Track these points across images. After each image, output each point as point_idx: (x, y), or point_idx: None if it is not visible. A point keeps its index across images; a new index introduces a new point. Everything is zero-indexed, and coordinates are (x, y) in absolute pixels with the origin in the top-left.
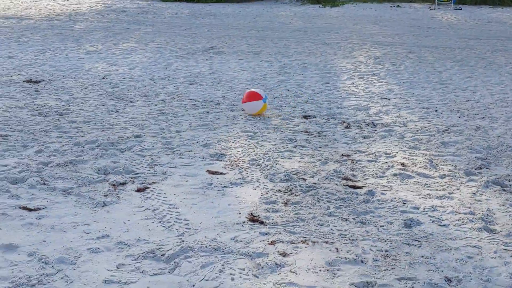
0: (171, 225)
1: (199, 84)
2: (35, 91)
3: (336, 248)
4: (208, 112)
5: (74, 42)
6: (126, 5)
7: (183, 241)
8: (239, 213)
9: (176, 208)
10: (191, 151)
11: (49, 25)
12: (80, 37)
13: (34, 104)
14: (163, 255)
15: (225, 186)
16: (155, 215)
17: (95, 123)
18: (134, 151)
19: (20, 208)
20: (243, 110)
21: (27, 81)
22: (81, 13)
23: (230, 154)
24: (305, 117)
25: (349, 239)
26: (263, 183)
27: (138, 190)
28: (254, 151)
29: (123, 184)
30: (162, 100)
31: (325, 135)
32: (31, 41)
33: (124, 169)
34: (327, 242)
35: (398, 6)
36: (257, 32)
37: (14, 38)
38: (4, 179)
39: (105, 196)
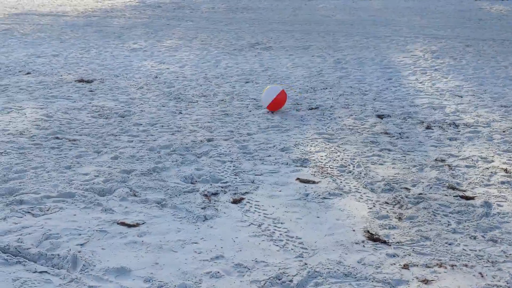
0: (284, 244)
1: (255, 83)
2: (90, 91)
3: (480, 273)
4: (272, 112)
5: (116, 39)
6: (160, 0)
7: (305, 264)
8: (353, 230)
9: (282, 223)
10: (270, 156)
11: (88, 22)
12: (121, 34)
13: (93, 105)
14: (290, 281)
15: (324, 198)
16: (263, 231)
17: (162, 126)
18: (212, 156)
19: (118, 224)
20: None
21: (79, 81)
22: (117, 9)
23: (314, 160)
24: (379, 116)
25: (489, 262)
26: (364, 193)
27: (234, 202)
28: (338, 155)
29: (215, 194)
30: (222, 100)
31: (407, 137)
32: (72, 39)
33: (210, 178)
34: (466, 265)
35: None
36: (301, 26)
37: (55, 36)
38: (90, 191)
39: (202, 209)
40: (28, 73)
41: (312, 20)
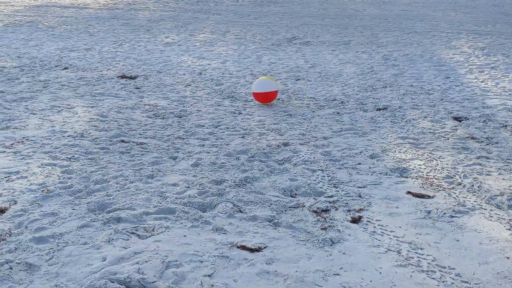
0: (440, 277)
1: (307, 80)
2: (136, 88)
3: None
4: (338, 113)
5: (146, 32)
6: None
7: None
8: (507, 258)
9: (421, 248)
10: (360, 164)
11: (112, 14)
12: (149, 27)
13: (144, 104)
14: None
15: (451, 216)
16: (406, 259)
17: (227, 128)
18: (297, 164)
19: (237, 247)
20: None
21: (122, 77)
22: (140, 2)
23: (413, 169)
24: (456, 119)
25: None
26: (491, 210)
27: (354, 221)
28: (437, 164)
29: (326, 211)
30: (278, 99)
31: (497, 142)
32: (101, 32)
33: (311, 190)
34: None
35: None
36: (333, 20)
37: (82, 29)
38: (190, 205)
39: (322, 229)
40: (66, 68)
41: (343, 14)
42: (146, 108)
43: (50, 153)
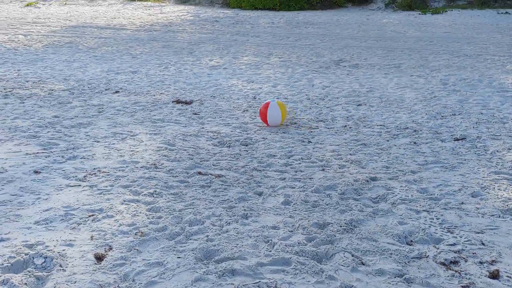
0: None
1: (369, 106)
2: (195, 114)
3: None
4: (414, 142)
5: (189, 55)
6: (212, 15)
7: None
8: None
9: None
10: (463, 203)
11: (151, 36)
12: (191, 49)
13: (207, 131)
14: None
15: None
16: None
17: (302, 158)
18: (395, 203)
19: None
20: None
21: (177, 102)
22: (175, 23)
23: None
24: None
25: None
26: None
27: (492, 276)
28: None
29: (455, 263)
30: (345, 126)
31: None
32: (143, 54)
33: (427, 236)
34: None
35: (506, 13)
36: (377, 42)
37: (123, 50)
38: (303, 255)
39: (463, 287)
40: (117, 91)
41: (385, 36)
42: (210, 135)
43: (129, 188)
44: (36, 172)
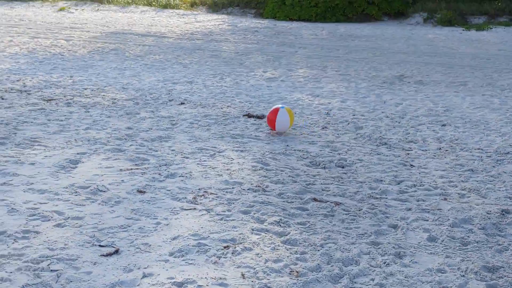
0: None
1: (454, 126)
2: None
3: None
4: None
5: (240, 66)
6: (249, 25)
7: None
8: None
9: None
10: None
11: (195, 45)
12: (240, 60)
13: (294, 149)
14: None
15: None
16: None
17: (414, 185)
18: None
19: None
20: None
21: (248, 116)
22: (215, 33)
23: None
24: None
25: None
26: None
27: None
28: None
29: None
30: (440, 149)
31: None
32: (193, 64)
33: None
34: None
35: None
36: (431, 57)
37: (172, 59)
38: None
39: None
40: (182, 103)
41: (438, 52)
42: (299, 154)
43: (249, 214)
44: (140, 191)
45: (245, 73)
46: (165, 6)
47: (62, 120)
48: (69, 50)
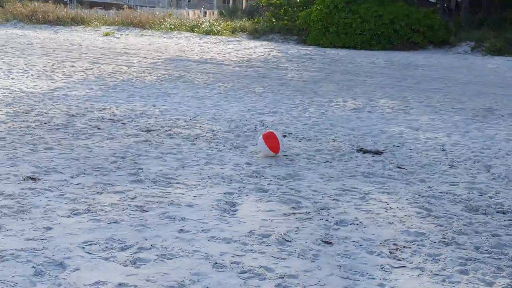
0: None
1: None
2: (399, 167)
3: None
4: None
5: (315, 95)
6: (299, 52)
7: None
8: None
9: None
10: None
11: (258, 73)
12: (313, 89)
13: (439, 192)
14: None
15: None
16: None
17: None
18: None
19: None
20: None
21: (363, 151)
22: (271, 60)
23: None
24: None
25: None
26: None
27: None
28: None
29: None
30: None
31: None
32: (267, 92)
33: None
34: None
35: None
36: (504, 89)
37: (243, 88)
38: None
39: None
40: (284, 136)
41: (507, 82)
42: (449, 198)
43: (468, 274)
44: (326, 242)
45: (325, 103)
46: (208, 33)
47: (175, 154)
48: (136, 77)
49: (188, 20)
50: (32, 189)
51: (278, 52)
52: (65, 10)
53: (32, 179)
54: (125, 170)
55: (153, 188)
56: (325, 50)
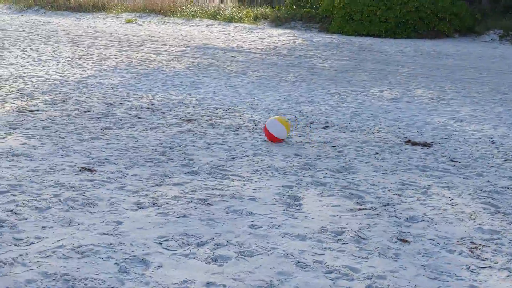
0: None
1: None
2: (452, 160)
3: None
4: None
5: (350, 85)
6: (324, 41)
7: None
8: None
9: None
10: None
11: (287, 62)
12: (345, 78)
13: (500, 186)
14: None
15: None
16: None
17: None
18: None
19: None
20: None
21: (412, 143)
22: (298, 49)
23: None
24: None
25: None
26: None
27: None
28: None
29: None
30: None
31: None
32: (299, 81)
33: None
34: None
35: None
36: None
37: (275, 77)
38: None
39: None
40: (327, 126)
41: None
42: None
43: None
44: (403, 240)
45: (361, 92)
46: (230, 20)
47: (221, 144)
48: (165, 65)
49: (209, 7)
50: (91, 180)
51: (303, 40)
52: None
53: (88, 170)
54: (176, 161)
55: (210, 180)
56: (350, 38)
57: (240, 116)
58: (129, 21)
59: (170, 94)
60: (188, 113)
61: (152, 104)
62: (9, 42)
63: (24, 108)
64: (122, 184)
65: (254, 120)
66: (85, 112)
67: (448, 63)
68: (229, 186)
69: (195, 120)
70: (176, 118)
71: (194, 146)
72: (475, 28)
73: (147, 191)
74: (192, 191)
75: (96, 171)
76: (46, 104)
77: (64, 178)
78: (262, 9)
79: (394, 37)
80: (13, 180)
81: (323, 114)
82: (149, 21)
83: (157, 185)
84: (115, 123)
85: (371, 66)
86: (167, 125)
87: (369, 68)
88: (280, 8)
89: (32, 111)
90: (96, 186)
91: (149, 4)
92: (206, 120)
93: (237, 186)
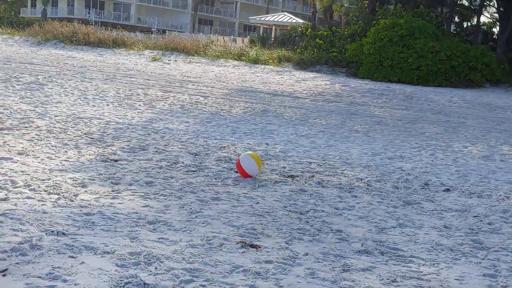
0: None
1: None
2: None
3: None
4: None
5: (426, 138)
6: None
7: None
8: None
9: None
10: None
11: (341, 109)
12: (415, 130)
13: None
14: None
15: None
16: None
17: None
18: None
19: None
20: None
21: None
22: (343, 95)
23: None
24: None
25: None
26: None
27: None
28: None
29: None
30: None
31: None
32: (372, 132)
33: None
34: None
35: None
36: None
37: (341, 125)
38: None
39: None
40: (447, 189)
41: None
42: None
43: None
44: None
45: (446, 148)
46: (255, 62)
47: (350, 210)
48: (221, 110)
49: (232, 48)
50: (267, 262)
51: (342, 86)
52: (106, 32)
53: (251, 246)
54: (326, 233)
55: (394, 265)
56: (387, 85)
57: (341, 172)
58: (154, 59)
59: (249, 143)
60: (284, 168)
61: (238, 155)
62: (43, 77)
63: (106, 158)
64: (308, 267)
65: (361, 179)
66: (174, 163)
67: (505, 116)
68: (422, 273)
69: (297, 176)
70: (274, 173)
71: (323, 211)
72: (502, 79)
73: (334, 276)
74: (392, 281)
75: (259, 247)
76: (125, 152)
77: (233, 257)
78: (280, 51)
79: (426, 85)
80: (184, 262)
81: (429, 173)
82: (175, 60)
83: (343, 270)
84: (216, 178)
85: (432, 117)
86: (272, 181)
87: (433, 119)
88: (302, 51)
89: (116, 160)
90: (283, 271)
91: (171, 42)
92: (310, 177)
93: (432, 272)
